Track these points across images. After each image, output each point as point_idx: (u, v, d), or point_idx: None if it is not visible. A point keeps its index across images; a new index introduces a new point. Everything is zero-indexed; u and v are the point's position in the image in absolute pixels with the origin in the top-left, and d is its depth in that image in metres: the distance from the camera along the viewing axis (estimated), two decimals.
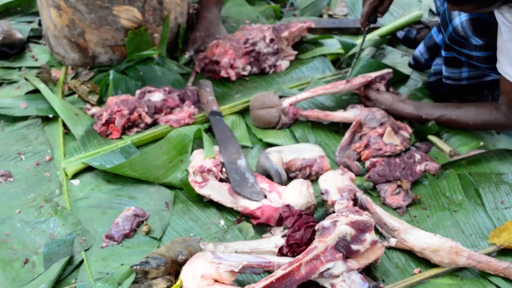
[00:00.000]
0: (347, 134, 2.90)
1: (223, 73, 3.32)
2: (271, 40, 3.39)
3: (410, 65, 3.38)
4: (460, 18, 2.68)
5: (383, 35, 3.67)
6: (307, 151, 2.79)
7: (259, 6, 4.09)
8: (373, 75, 3.07)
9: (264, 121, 3.02)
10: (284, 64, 3.44)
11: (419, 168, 2.76)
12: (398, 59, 3.58)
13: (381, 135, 2.85)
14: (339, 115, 2.99)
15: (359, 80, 3.04)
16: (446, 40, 2.83)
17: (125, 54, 3.31)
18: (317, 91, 3.04)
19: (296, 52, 3.53)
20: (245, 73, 3.37)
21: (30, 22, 3.81)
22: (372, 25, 3.10)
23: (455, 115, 2.90)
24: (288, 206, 2.45)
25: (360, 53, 3.14)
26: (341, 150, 2.86)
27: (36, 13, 3.81)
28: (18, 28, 3.63)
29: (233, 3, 4.05)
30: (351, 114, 2.97)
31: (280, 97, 3.10)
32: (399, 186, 2.69)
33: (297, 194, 2.50)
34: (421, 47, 3.27)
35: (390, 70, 3.12)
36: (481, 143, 2.91)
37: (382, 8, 3.01)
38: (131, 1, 3.15)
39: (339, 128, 3.03)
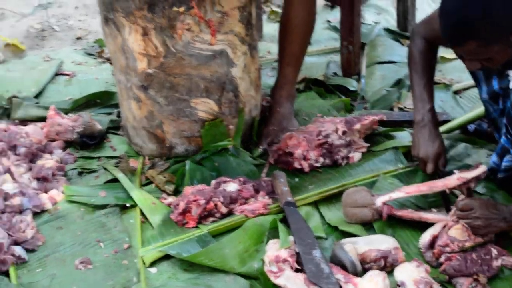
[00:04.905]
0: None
1: (296, 165, 3.36)
2: (344, 133, 3.43)
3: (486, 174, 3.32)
4: None
5: (452, 129, 3.67)
6: (381, 242, 2.79)
7: (330, 99, 4.17)
8: (468, 175, 2.95)
9: (357, 219, 3.01)
10: (356, 156, 3.47)
11: (496, 264, 2.71)
12: (483, 158, 3.47)
13: (449, 227, 2.81)
14: (434, 217, 2.93)
15: (455, 182, 2.96)
16: None
17: (201, 145, 3.40)
18: (411, 192, 2.99)
19: (368, 145, 3.55)
20: (318, 164, 3.40)
21: (109, 113, 3.97)
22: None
23: None
24: None
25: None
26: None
27: (115, 105, 3.96)
28: (98, 120, 3.77)
29: (305, 96, 4.15)
30: (445, 216, 2.92)
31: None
32: (475, 279, 2.65)
33: (373, 286, 2.49)
34: (494, 158, 3.18)
35: (485, 168, 3.01)
36: None
37: (441, 162, 3.13)
38: (208, 94, 3.25)
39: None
